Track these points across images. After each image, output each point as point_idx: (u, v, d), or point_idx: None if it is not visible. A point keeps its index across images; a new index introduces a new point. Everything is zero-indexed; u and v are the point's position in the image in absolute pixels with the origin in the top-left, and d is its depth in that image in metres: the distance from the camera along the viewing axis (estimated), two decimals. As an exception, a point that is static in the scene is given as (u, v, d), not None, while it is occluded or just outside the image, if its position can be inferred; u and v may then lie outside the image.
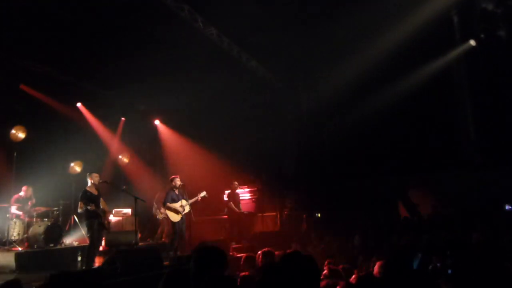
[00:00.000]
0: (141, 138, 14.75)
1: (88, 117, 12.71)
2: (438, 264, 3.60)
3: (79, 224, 9.83)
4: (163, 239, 11.37)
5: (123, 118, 14.09)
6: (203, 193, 9.60)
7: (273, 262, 4.97)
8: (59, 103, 11.47)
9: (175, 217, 9.22)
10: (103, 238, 9.01)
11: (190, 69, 12.19)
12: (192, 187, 10.94)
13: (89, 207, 7.56)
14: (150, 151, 14.96)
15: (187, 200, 9.39)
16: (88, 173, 8.25)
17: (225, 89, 13.61)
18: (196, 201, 9.58)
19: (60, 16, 9.62)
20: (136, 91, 12.56)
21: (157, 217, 11.46)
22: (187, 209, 9.35)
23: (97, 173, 8.18)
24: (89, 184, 8.01)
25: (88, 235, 7.86)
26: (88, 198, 7.69)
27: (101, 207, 8.05)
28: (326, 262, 4.99)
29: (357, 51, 12.38)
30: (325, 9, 11.24)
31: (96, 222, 7.71)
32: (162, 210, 10.96)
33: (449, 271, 3.53)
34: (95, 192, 7.98)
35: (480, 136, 12.92)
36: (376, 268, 4.28)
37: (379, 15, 11.07)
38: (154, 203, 11.60)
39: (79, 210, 7.81)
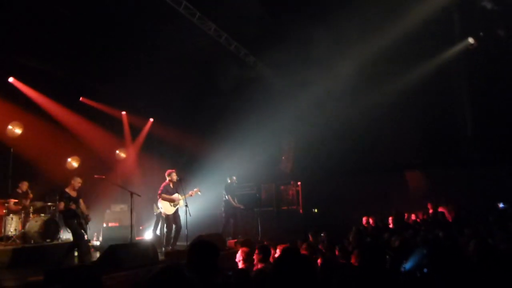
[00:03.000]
0: (139, 133, 14.76)
1: (87, 112, 12.73)
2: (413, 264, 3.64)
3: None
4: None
5: (123, 112, 14.10)
6: (196, 190, 9.75)
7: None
8: (55, 98, 11.46)
9: (168, 209, 9.34)
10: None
11: (189, 64, 12.20)
12: (188, 182, 11.05)
13: (71, 207, 7.60)
14: (147, 146, 14.98)
15: (182, 195, 9.50)
16: (71, 176, 8.27)
17: (224, 84, 13.62)
18: (191, 197, 9.69)
19: (57, 11, 9.66)
20: (134, 87, 12.56)
21: (154, 213, 11.56)
22: (181, 203, 9.45)
23: (80, 178, 8.16)
24: (69, 185, 8.00)
25: (72, 233, 7.78)
26: (68, 198, 7.73)
27: (81, 208, 8.00)
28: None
29: (356, 47, 12.36)
30: (325, 5, 11.22)
31: (74, 221, 7.71)
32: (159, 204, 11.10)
33: (425, 270, 3.57)
34: (73, 194, 7.96)
35: (478, 134, 12.95)
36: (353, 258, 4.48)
37: (379, 11, 11.05)
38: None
39: (59, 210, 7.81)
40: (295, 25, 12.01)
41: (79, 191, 8.11)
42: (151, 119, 14.90)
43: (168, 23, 10.62)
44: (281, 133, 15.11)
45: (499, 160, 12.13)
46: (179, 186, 9.61)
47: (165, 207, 9.36)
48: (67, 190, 7.91)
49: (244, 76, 13.37)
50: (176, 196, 9.47)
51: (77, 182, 8.04)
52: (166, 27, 10.70)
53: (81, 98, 12.68)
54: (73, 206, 7.62)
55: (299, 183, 14.10)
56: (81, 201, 8.06)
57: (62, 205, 7.66)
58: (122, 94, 12.77)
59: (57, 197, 7.98)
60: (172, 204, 9.39)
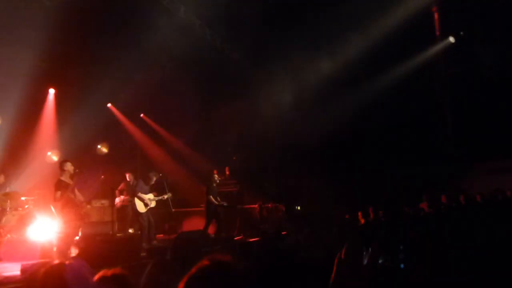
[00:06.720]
0: (121, 129, 14.48)
1: (66, 105, 12.38)
2: (389, 259, 3.61)
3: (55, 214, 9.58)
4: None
5: (109, 105, 13.84)
6: (168, 195, 9.86)
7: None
8: (34, 89, 11.09)
9: (141, 208, 9.41)
10: (80, 228, 8.78)
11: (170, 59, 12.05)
12: (172, 179, 10.96)
13: (69, 196, 7.21)
14: (128, 142, 14.70)
15: (155, 196, 9.63)
16: (60, 162, 7.78)
17: (207, 81, 13.51)
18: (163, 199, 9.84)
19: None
20: (117, 78, 12.27)
21: (116, 206, 11.48)
22: (153, 204, 9.58)
23: (69, 161, 7.66)
24: (63, 173, 7.48)
25: (64, 225, 7.36)
26: (65, 187, 7.25)
27: (77, 197, 7.70)
28: None
29: (338, 46, 12.45)
30: (307, 3, 11.27)
31: (72, 212, 7.33)
32: (122, 198, 11.00)
33: (402, 266, 3.55)
34: (70, 181, 7.47)
35: (458, 132, 13.18)
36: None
37: (361, 10, 11.13)
38: (116, 192, 11.59)
39: (54, 200, 7.29)
40: (279, 22, 12.04)
41: (75, 178, 7.52)
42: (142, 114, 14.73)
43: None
44: (267, 130, 15.08)
45: (480, 158, 12.38)
46: (154, 186, 9.65)
47: (139, 205, 9.44)
48: (62, 178, 7.35)
49: (227, 72, 13.31)
50: (149, 196, 9.55)
51: (69, 166, 7.47)
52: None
53: (52, 89, 12.27)
54: (71, 196, 7.22)
55: (283, 180, 14.13)
56: (75, 190, 7.57)
57: (58, 194, 7.17)
58: (105, 85, 12.43)
59: (54, 188, 7.30)
60: (146, 203, 9.42)
